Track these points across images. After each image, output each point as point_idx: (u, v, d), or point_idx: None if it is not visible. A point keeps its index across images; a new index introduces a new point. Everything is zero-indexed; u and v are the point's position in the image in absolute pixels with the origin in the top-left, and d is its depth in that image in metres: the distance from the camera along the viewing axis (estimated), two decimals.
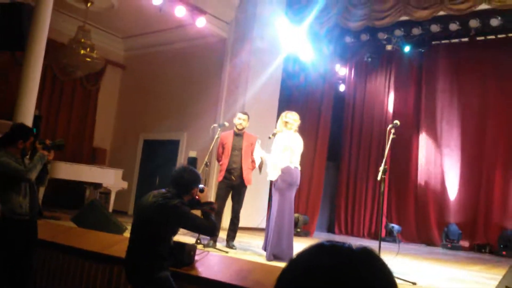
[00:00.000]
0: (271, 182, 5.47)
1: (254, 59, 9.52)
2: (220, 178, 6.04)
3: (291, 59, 10.20)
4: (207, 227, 3.57)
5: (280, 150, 5.29)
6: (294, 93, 10.53)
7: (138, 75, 11.84)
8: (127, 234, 5.84)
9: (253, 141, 5.99)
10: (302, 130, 9.61)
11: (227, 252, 5.24)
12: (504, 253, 8.64)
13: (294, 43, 9.66)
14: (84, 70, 9.88)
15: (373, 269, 0.84)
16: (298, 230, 9.10)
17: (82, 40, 9.42)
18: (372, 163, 10.81)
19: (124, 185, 9.35)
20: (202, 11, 9.02)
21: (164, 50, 11.23)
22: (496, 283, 3.95)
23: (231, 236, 5.94)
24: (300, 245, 6.98)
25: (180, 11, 8.76)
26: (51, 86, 10.68)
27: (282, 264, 4.83)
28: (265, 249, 5.31)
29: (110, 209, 8.74)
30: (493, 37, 9.46)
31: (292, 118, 5.48)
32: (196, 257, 4.37)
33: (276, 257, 5.04)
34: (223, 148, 6.06)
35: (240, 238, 6.97)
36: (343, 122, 11.65)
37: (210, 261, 4.41)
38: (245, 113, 6.23)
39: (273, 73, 9.75)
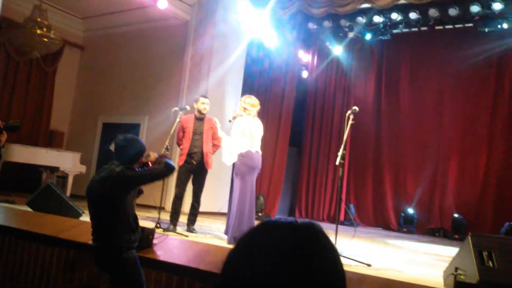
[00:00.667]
0: (233, 166, 5.46)
1: (217, 43, 9.43)
2: (181, 162, 6.00)
3: (255, 45, 10.16)
4: (162, 170, 3.41)
5: (239, 135, 5.28)
6: (257, 79, 10.51)
7: (98, 57, 11.53)
8: (84, 218, 5.74)
9: (213, 125, 5.96)
10: (265, 115, 9.78)
11: (187, 236, 5.23)
12: (456, 236, 8.99)
13: (257, 28, 9.62)
14: (41, 51, 9.52)
15: (316, 245, 0.84)
16: (260, 214, 9.17)
17: (39, 20, 9.06)
18: (333, 148, 10.99)
19: (82, 169, 9.15)
20: None
21: (125, 31, 10.96)
22: (448, 264, 4.11)
23: (191, 220, 5.93)
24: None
25: None
26: (5, 65, 10.25)
27: None
28: (226, 233, 5.34)
29: (68, 193, 8.55)
30: (451, 26, 9.71)
31: (251, 103, 5.46)
32: (155, 241, 4.34)
33: (237, 240, 5.06)
34: (184, 132, 6.01)
35: (201, 223, 6.97)
36: (305, 108, 11.76)
37: (169, 244, 4.39)
38: (206, 97, 6.21)
39: (236, 58, 9.69)
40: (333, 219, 10.37)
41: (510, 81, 9.60)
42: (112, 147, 3.40)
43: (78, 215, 5.71)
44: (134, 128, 10.27)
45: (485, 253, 3.60)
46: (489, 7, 8.38)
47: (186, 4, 9.72)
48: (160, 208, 5.88)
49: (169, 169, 3.42)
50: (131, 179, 3.28)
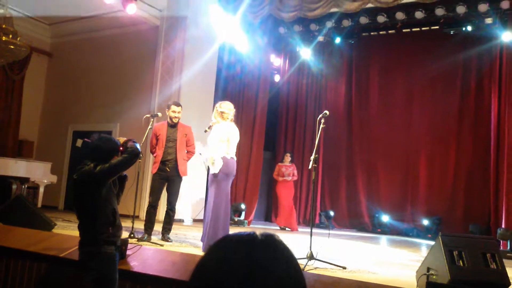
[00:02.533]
0: (207, 173, 5.42)
1: (189, 48, 9.38)
2: (155, 170, 5.93)
3: (227, 49, 10.15)
4: (128, 157, 3.44)
5: (217, 141, 5.26)
6: (230, 84, 10.50)
7: (67, 63, 11.31)
8: (56, 230, 5.62)
9: (187, 132, 5.93)
10: (239, 120, 9.75)
11: (162, 245, 5.17)
12: (429, 236, 9.17)
13: (229, 33, 9.63)
14: (7, 58, 9.27)
15: (273, 256, 0.86)
16: (236, 219, 9.16)
17: (4, 26, 8.83)
18: (306, 152, 11.08)
19: (53, 179, 8.96)
20: None
21: (94, 37, 10.79)
22: (420, 264, 4.18)
23: (166, 229, 5.84)
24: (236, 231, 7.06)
25: None
26: None
27: None
28: (202, 240, 5.30)
29: (39, 205, 8.36)
30: (418, 29, 9.94)
31: (227, 107, 5.45)
32: (128, 252, 4.28)
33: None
34: (157, 139, 5.95)
35: (178, 231, 6.92)
36: (278, 112, 11.81)
37: (143, 255, 4.34)
38: (178, 105, 6.12)
39: (208, 62, 9.66)
40: (309, 223, 10.42)
41: (476, 81, 9.88)
42: (78, 143, 3.47)
43: (49, 227, 5.58)
44: None
45: (455, 253, 3.68)
46: (453, 10, 8.62)
47: (155, 9, 9.64)
48: (134, 217, 5.80)
49: (135, 155, 3.47)
50: (101, 173, 3.33)
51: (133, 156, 3.46)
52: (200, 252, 5.01)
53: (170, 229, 5.87)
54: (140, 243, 4.94)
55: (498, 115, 8.88)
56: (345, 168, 11.10)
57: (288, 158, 9.76)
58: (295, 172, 9.66)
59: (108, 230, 3.35)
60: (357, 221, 10.72)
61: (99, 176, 3.33)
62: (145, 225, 5.75)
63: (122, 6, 8.66)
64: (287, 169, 9.59)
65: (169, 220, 5.87)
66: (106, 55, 10.57)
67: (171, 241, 5.64)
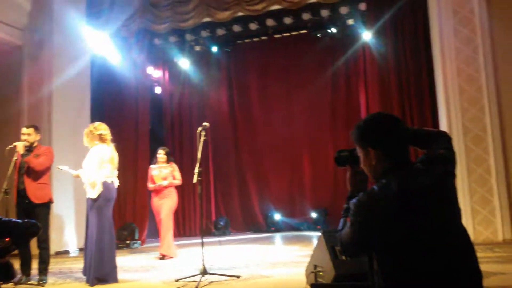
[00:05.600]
0: (87, 200, 5.09)
1: (57, 67, 8.79)
2: (15, 201, 5.25)
3: (101, 65, 9.67)
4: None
5: (96, 165, 4.96)
6: (107, 100, 10.01)
7: None
8: None
9: (41, 152, 5.35)
10: (121, 137, 9.34)
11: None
12: (318, 227, 9.62)
13: (102, 49, 9.25)
14: None
15: None
16: (127, 242, 8.79)
17: None
18: (197, 163, 10.96)
19: None
20: None
21: None
22: (308, 262, 4.32)
23: (41, 269, 5.13)
24: (126, 258, 6.75)
25: None
26: None
27: (108, 287, 4.57)
28: (85, 273, 4.95)
29: None
30: (288, 34, 10.40)
31: (104, 128, 5.20)
32: None
33: (99, 280, 4.74)
34: (14, 168, 5.27)
35: (59, 265, 6.43)
36: (164, 124, 11.56)
37: None
38: (29, 126, 5.51)
39: (80, 80, 9.15)
40: (206, 232, 10.36)
41: (345, 79, 10.61)
42: None
43: None
44: None
45: (337, 248, 3.85)
46: (318, 14, 9.14)
47: (16, 28, 8.87)
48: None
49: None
50: None
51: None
52: None
53: (46, 269, 5.16)
54: (17, 287, 4.48)
55: (367, 110, 9.59)
56: (235, 173, 11.24)
57: (162, 155, 7.15)
58: (177, 174, 7.10)
59: None
60: (252, 223, 10.93)
61: None
62: (20, 265, 5.15)
63: None
64: (162, 171, 7.02)
65: (42, 257, 5.16)
66: None
67: (44, 283, 5.01)
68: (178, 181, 7.06)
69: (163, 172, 6.98)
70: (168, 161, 7.15)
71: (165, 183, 6.87)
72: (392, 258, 1.75)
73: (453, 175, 1.89)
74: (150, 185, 6.98)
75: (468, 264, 1.76)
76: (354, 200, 1.83)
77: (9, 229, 2.99)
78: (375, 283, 1.90)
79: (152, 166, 7.19)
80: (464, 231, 1.82)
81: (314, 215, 10.17)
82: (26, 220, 2.95)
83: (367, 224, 1.76)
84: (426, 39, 7.87)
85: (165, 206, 6.82)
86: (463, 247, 1.78)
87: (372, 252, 1.89)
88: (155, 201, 6.94)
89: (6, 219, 2.99)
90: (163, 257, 6.75)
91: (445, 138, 2.02)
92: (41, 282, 5.02)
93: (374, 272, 1.90)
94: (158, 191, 6.90)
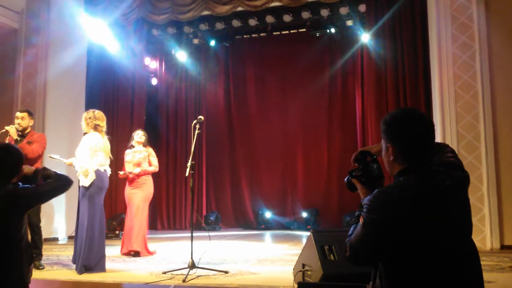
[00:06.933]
0: (79, 188, 5.08)
1: (53, 52, 8.73)
2: None
3: (98, 52, 9.62)
4: (59, 184, 2.89)
5: (89, 153, 4.95)
6: (103, 90, 9.95)
7: None
8: None
9: (34, 139, 5.33)
10: (115, 126, 9.32)
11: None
12: (309, 227, 9.63)
13: (99, 37, 9.18)
14: None
15: None
16: (117, 232, 8.77)
17: None
18: (190, 157, 10.94)
19: None
20: None
21: None
22: (296, 261, 4.33)
23: (36, 254, 5.13)
24: (114, 248, 6.72)
25: None
26: None
27: (94, 276, 4.57)
28: (74, 261, 4.95)
29: None
30: (287, 32, 10.39)
31: (102, 118, 5.21)
32: None
33: (87, 269, 4.73)
34: None
35: (47, 252, 6.40)
36: (159, 116, 11.51)
37: None
38: (23, 111, 5.51)
39: (76, 67, 9.13)
40: (196, 226, 10.34)
41: (342, 79, 10.60)
42: None
43: None
44: None
45: (326, 248, 3.86)
46: (318, 13, 9.13)
47: (12, 11, 8.80)
48: None
49: (67, 181, 2.92)
50: (30, 196, 2.74)
51: (66, 180, 2.92)
52: (73, 276, 4.68)
53: (40, 254, 5.24)
54: None
55: (362, 110, 9.62)
56: (228, 168, 11.23)
57: (141, 135, 6.47)
58: (154, 160, 6.43)
59: (29, 269, 2.72)
60: (243, 219, 10.92)
61: (31, 198, 2.75)
62: None
63: None
64: (135, 156, 6.35)
65: (36, 243, 5.18)
66: None
67: (42, 268, 5.10)
68: (154, 167, 6.38)
69: (137, 157, 6.33)
70: (145, 145, 6.54)
71: (136, 170, 6.21)
72: (403, 262, 1.67)
73: (469, 181, 1.85)
74: (120, 173, 6.36)
75: (475, 273, 1.74)
76: (368, 197, 1.76)
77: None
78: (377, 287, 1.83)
79: (126, 151, 6.57)
80: (472, 240, 1.79)
81: (304, 214, 10.17)
82: None
83: (382, 222, 1.67)
84: (424, 43, 7.89)
85: (138, 197, 6.21)
86: (474, 253, 1.76)
87: (381, 261, 1.78)
88: (127, 190, 6.32)
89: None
90: (135, 253, 5.98)
91: (450, 149, 1.98)
92: (40, 267, 5.08)
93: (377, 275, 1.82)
94: (131, 180, 6.27)
